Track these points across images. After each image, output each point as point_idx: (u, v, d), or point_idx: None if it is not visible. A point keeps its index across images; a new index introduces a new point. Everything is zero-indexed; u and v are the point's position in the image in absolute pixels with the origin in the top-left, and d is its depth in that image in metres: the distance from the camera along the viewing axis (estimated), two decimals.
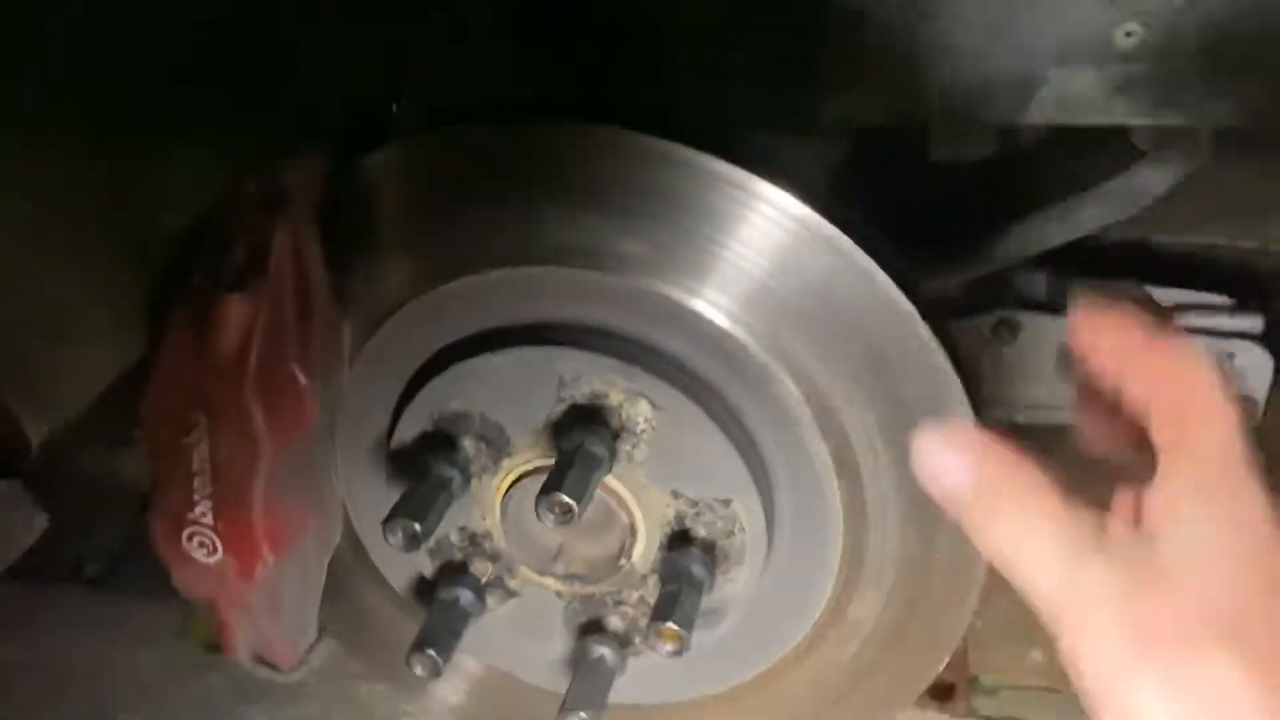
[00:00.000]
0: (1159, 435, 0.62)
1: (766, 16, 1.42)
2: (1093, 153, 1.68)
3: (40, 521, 1.14)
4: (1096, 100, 1.42)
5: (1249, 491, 0.59)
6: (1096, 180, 1.68)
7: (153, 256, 1.25)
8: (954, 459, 0.64)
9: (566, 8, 1.31)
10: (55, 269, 1.18)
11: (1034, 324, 1.91)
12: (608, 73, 1.28)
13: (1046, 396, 1.97)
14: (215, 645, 1.79)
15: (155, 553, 1.07)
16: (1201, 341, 1.89)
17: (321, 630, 1.21)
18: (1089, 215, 1.60)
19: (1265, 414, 1.90)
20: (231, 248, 0.91)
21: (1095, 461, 0.73)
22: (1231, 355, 1.86)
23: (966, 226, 1.81)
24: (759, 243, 0.92)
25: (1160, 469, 0.61)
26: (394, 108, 1.18)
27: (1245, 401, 1.90)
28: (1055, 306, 1.95)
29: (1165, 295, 1.96)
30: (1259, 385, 1.87)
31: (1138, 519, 0.61)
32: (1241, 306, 1.90)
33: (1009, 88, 1.43)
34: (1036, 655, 1.69)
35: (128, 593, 1.99)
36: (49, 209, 1.16)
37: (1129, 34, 1.36)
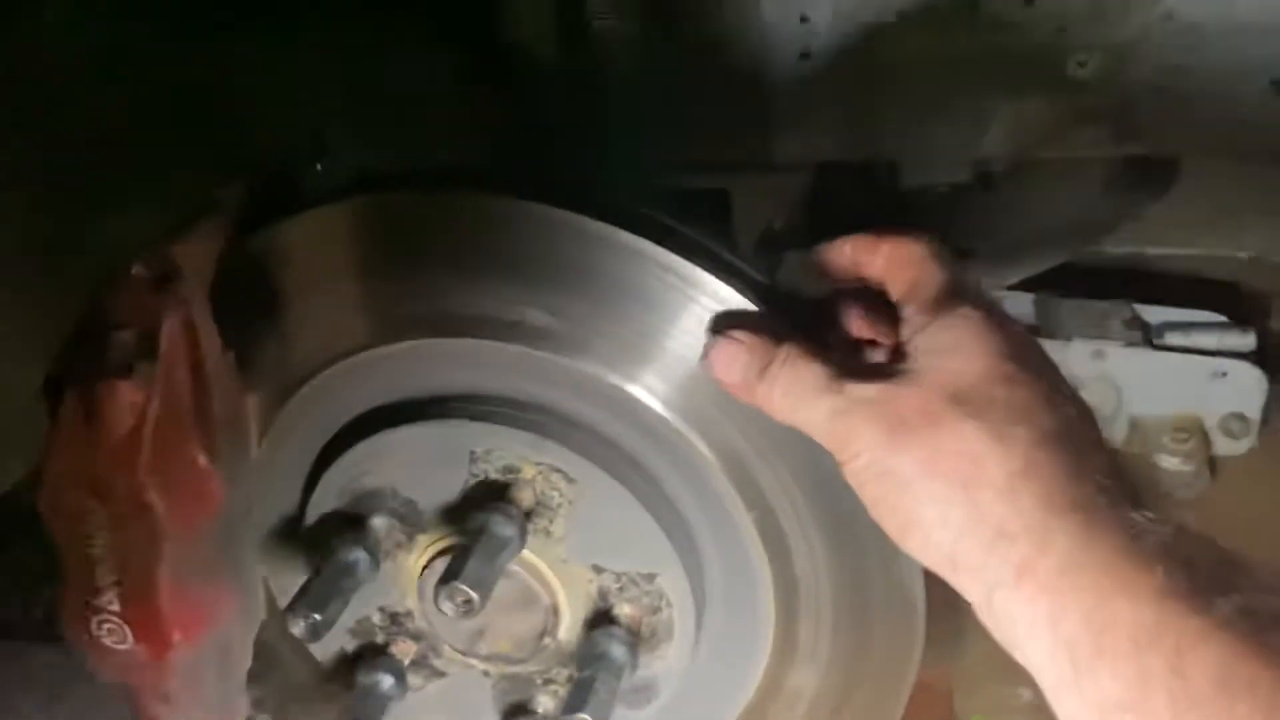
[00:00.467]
0: (895, 290, 0.79)
1: (714, 59, 1.39)
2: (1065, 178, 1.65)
3: None
4: (1052, 131, 1.38)
5: (970, 304, 0.75)
6: (1070, 207, 1.64)
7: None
8: (733, 350, 0.80)
9: (497, 66, 1.28)
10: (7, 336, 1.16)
11: None
12: (542, 120, 1.25)
13: None
14: None
15: (68, 641, 1.04)
16: (1194, 360, 1.85)
17: (257, 706, 1.17)
18: (1058, 244, 1.56)
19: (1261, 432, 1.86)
20: (118, 332, 0.87)
21: None
22: (1224, 374, 1.82)
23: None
24: (676, 315, 0.88)
25: (903, 315, 0.77)
26: (317, 167, 1.15)
27: (1238, 420, 1.86)
28: (1041, 329, 1.92)
29: (1156, 314, 1.92)
30: (1253, 403, 1.82)
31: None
32: (1234, 324, 1.86)
33: (963, 120, 1.39)
34: (1025, 694, 1.63)
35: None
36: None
37: (1081, 64, 1.32)
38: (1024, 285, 1.84)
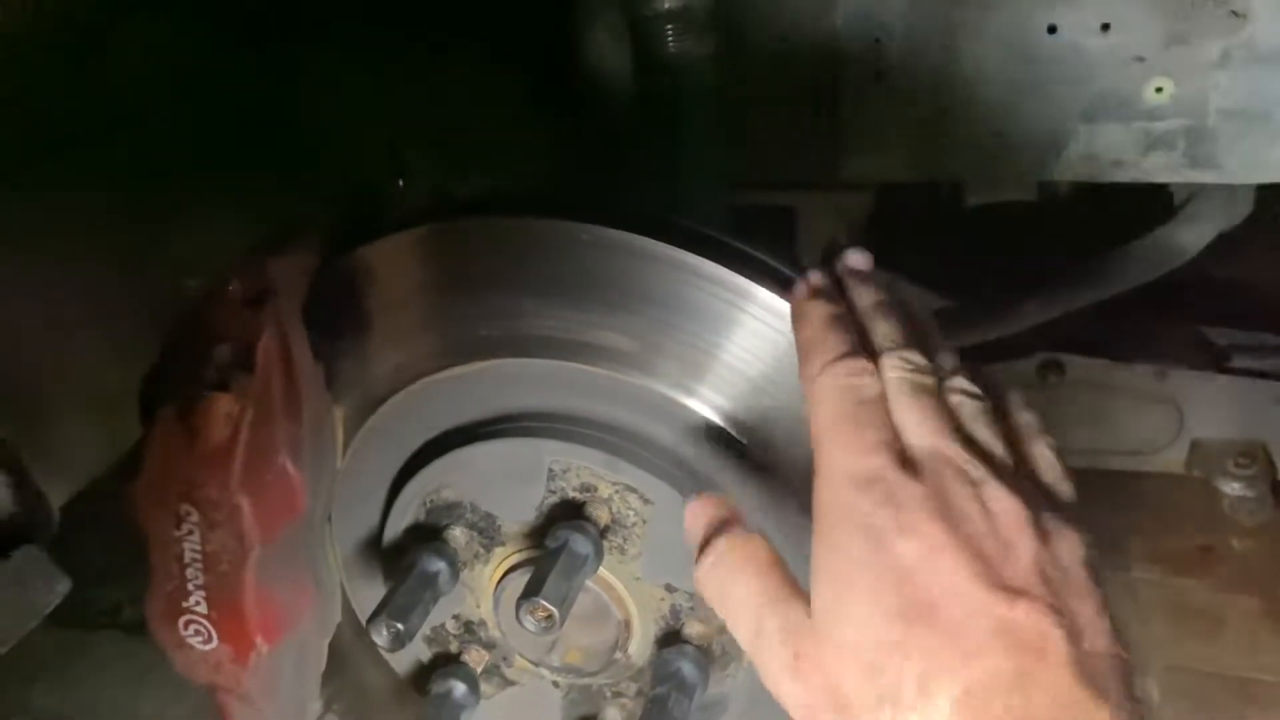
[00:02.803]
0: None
1: (787, 80, 1.40)
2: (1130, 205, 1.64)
3: (62, 586, 1.15)
4: (1127, 157, 1.38)
5: (864, 533, 0.67)
6: (1134, 233, 1.63)
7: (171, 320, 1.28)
8: (702, 521, 0.81)
9: (568, 87, 1.30)
10: (78, 337, 1.21)
11: (1079, 366, 1.87)
12: (618, 144, 1.27)
13: (1093, 440, 1.92)
14: None
15: (154, 640, 1.07)
16: (1255, 383, 1.83)
17: (326, 709, 1.21)
18: (1120, 275, 1.55)
19: None
20: (216, 346, 0.90)
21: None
22: None
23: (1002, 277, 1.78)
24: (746, 340, 0.90)
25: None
26: (399, 184, 1.18)
27: None
28: (1100, 348, 1.91)
29: (1218, 335, 1.90)
30: None
31: None
32: None
33: (1035, 145, 1.39)
34: None
35: None
36: (71, 279, 1.18)
37: (1159, 90, 1.32)
38: None
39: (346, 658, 1.18)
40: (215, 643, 1.03)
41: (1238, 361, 1.89)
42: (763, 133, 1.42)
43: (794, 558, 0.76)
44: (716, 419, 0.92)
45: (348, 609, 1.14)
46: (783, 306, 0.87)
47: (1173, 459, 1.95)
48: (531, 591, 0.88)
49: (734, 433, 0.92)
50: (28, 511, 1.13)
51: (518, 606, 0.89)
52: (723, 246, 0.91)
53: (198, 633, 1.03)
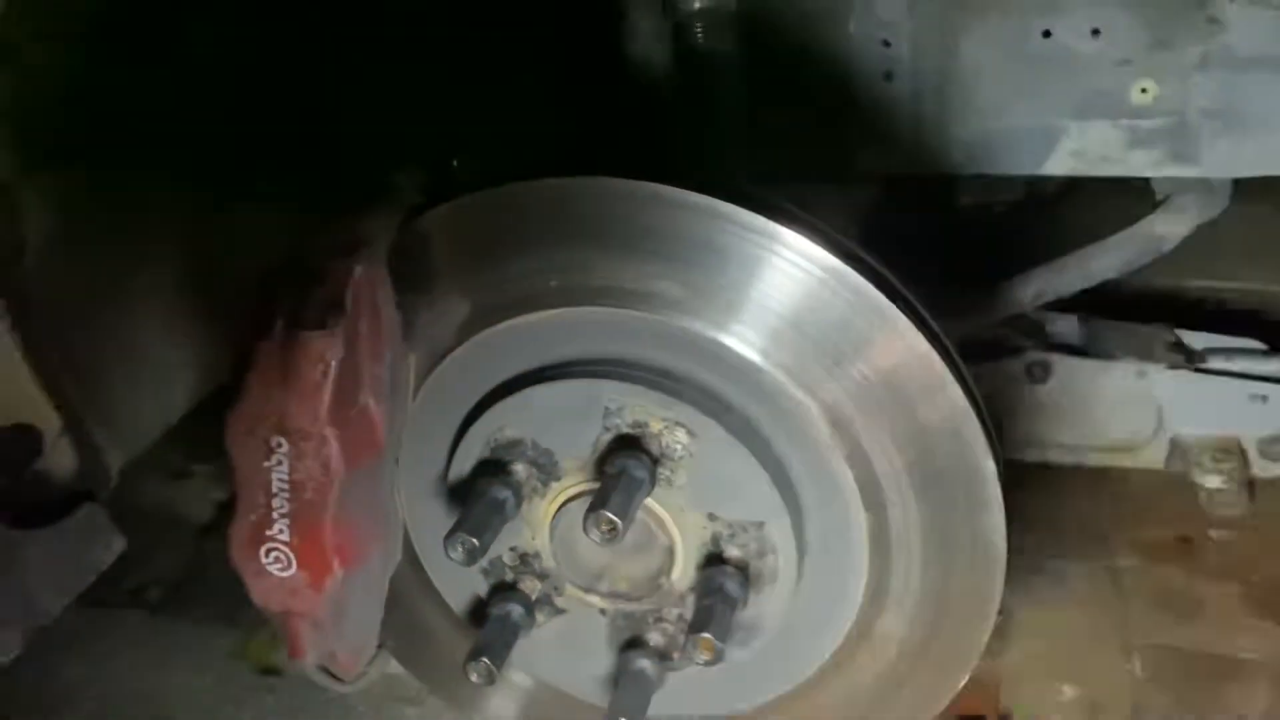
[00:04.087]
0: None
1: (801, 79, 1.53)
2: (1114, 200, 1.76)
3: (118, 544, 1.24)
4: (1113, 153, 1.51)
5: None
6: (1117, 227, 1.75)
7: (221, 299, 1.38)
8: None
9: (604, 69, 1.42)
10: (137, 311, 1.31)
11: (1065, 366, 1.98)
12: (649, 130, 1.39)
13: (1078, 437, 2.03)
14: (269, 669, 1.89)
15: (231, 565, 1.16)
16: (1229, 383, 1.95)
17: (380, 646, 1.30)
18: (1107, 262, 1.68)
19: None
20: (314, 288, 1.00)
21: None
22: (1264, 397, 1.92)
23: (992, 271, 1.89)
24: (786, 285, 1.01)
25: None
26: (454, 164, 1.30)
27: (1277, 443, 1.96)
28: (1087, 350, 2.02)
29: (1198, 339, 2.02)
30: None
31: None
32: (1274, 350, 1.95)
33: (1029, 141, 1.52)
34: (1068, 691, 1.72)
35: (186, 618, 2.09)
36: (134, 260, 1.29)
37: (1144, 90, 1.45)
38: (1068, 307, 1.96)
39: (402, 596, 1.28)
40: (294, 569, 1.13)
41: (1213, 362, 2.00)
42: (780, 126, 1.54)
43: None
44: (759, 359, 1.03)
45: (407, 548, 1.24)
46: (809, 247, 0.98)
47: (1153, 455, 2.04)
48: (598, 505, 0.99)
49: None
50: (89, 472, 1.24)
51: (585, 519, 0.99)
52: (758, 200, 1.02)
53: (277, 560, 1.13)
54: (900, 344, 1.01)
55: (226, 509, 1.15)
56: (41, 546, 1.15)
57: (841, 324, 1.01)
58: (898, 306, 1.00)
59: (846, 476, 1.06)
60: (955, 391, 1.01)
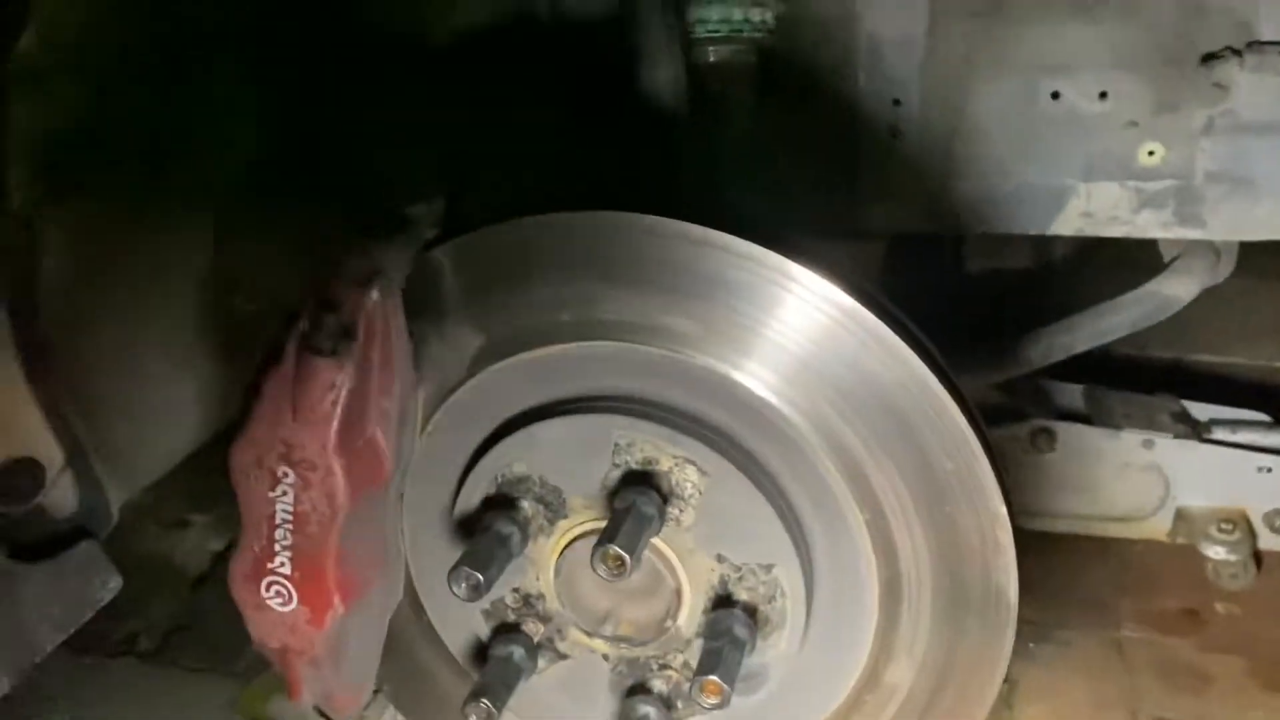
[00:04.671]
0: None
1: (810, 132, 1.55)
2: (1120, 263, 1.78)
3: (115, 582, 1.23)
4: (1122, 214, 1.52)
5: None
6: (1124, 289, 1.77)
7: (231, 335, 1.38)
8: None
9: (618, 105, 1.44)
10: (146, 345, 1.31)
11: (1070, 433, 1.98)
12: (661, 166, 1.41)
13: (1083, 506, 2.02)
14: None
15: (231, 599, 1.14)
16: (1235, 454, 1.94)
17: (376, 690, 1.27)
18: (1116, 321, 1.68)
19: None
20: (328, 316, 1.00)
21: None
22: (1269, 470, 1.92)
23: (997, 330, 1.90)
24: (798, 323, 1.01)
25: None
26: (466, 196, 1.31)
27: None
28: (1092, 419, 2.02)
29: (1203, 410, 2.02)
30: None
31: None
32: (1278, 423, 1.95)
33: (1037, 201, 1.54)
34: None
35: (179, 667, 2.07)
36: (145, 292, 1.29)
37: (1151, 152, 1.47)
38: (1073, 376, 1.97)
39: (400, 637, 1.25)
40: (294, 604, 1.11)
41: (1218, 434, 2.00)
42: (791, 179, 1.56)
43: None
44: (770, 397, 1.03)
45: (408, 586, 1.22)
46: (822, 284, 0.99)
47: (1158, 526, 2.04)
48: (606, 540, 0.97)
49: None
50: (89, 508, 1.23)
51: (592, 554, 0.98)
52: (771, 235, 1.03)
53: (279, 594, 1.11)
54: (914, 386, 1.01)
55: (222, 559, 1.14)
56: (39, 581, 1.14)
57: (854, 364, 1.01)
58: (912, 349, 1.00)
59: (857, 519, 1.05)
60: (969, 434, 1.00)
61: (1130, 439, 1.97)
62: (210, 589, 2.31)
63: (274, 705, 1.94)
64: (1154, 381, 2.11)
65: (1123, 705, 1.78)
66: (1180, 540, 2.01)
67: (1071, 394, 2.06)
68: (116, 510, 1.28)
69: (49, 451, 1.14)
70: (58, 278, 1.16)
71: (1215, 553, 1.98)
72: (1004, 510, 1.01)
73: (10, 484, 1.12)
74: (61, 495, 1.18)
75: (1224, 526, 1.99)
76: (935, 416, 1.01)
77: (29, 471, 1.14)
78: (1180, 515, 2.01)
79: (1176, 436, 1.97)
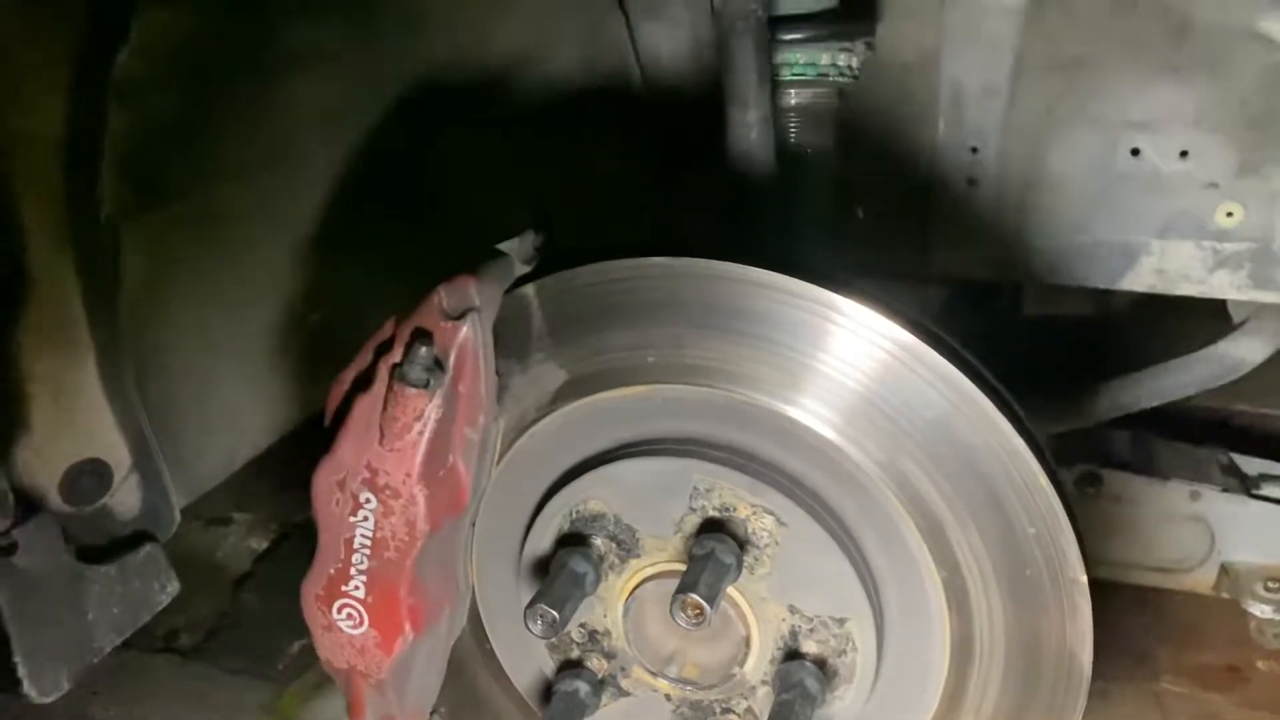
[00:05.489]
0: None
1: (884, 179, 1.55)
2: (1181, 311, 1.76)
3: (173, 587, 1.24)
4: (1195, 273, 1.52)
5: None
6: (1189, 347, 1.76)
7: (296, 350, 1.40)
8: None
9: (701, 152, 1.45)
10: (216, 353, 1.32)
11: (1117, 481, 1.96)
12: (743, 214, 1.42)
13: (1127, 554, 2.01)
14: None
15: (272, 602, 1.15)
16: None
17: (434, 712, 1.28)
18: (1182, 380, 1.67)
19: None
20: (420, 347, 1.01)
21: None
22: None
23: (1059, 381, 1.89)
24: (885, 377, 1.01)
25: None
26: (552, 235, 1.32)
27: None
28: (1138, 465, 2.01)
29: (1250, 465, 2.00)
30: None
31: None
32: None
33: (1110, 256, 1.53)
34: None
35: (219, 667, 2.08)
36: (220, 302, 1.31)
37: (1229, 214, 1.46)
38: (1120, 422, 1.96)
39: (461, 663, 1.26)
40: (365, 627, 1.12)
41: (1266, 489, 1.98)
42: (864, 222, 1.56)
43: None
44: (853, 452, 1.03)
45: (473, 619, 1.23)
46: (918, 346, 0.99)
47: (1203, 579, 2.02)
48: (687, 588, 0.98)
49: None
50: (154, 511, 1.24)
51: (672, 602, 0.98)
52: (857, 287, 1.03)
53: (350, 616, 1.12)
54: (1002, 449, 1.00)
55: (263, 559, 1.15)
56: (103, 582, 1.15)
57: (941, 424, 1.01)
58: (1000, 410, 1.00)
59: (934, 578, 1.05)
60: (1054, 500, 1.00)
61: (1177, 489, 1.96)
62: (251, 589, 2.33)
63: (311, 710, 1.95)
64: (1202, 431, 2.09)
65: None
66: (1224, 595, 2.00)
67: (1119, 440, 2.05)
68: (179, 514, 1.30)
69: (118, 453, 1.15)
70: (139, 284, 1.17)
71: (1261, 610, 1.97)
72: (1084, 578, 1.01)
73: (79, 484, 1.13)
74: (127, 497, 1.19)
75: (1270, 585, 1.97)
76: (1021, 480, 1.00)
77: (97, 472, 1.15)
78: (1225, 570, 1.99)
79: (1225, 490, 1.95)
